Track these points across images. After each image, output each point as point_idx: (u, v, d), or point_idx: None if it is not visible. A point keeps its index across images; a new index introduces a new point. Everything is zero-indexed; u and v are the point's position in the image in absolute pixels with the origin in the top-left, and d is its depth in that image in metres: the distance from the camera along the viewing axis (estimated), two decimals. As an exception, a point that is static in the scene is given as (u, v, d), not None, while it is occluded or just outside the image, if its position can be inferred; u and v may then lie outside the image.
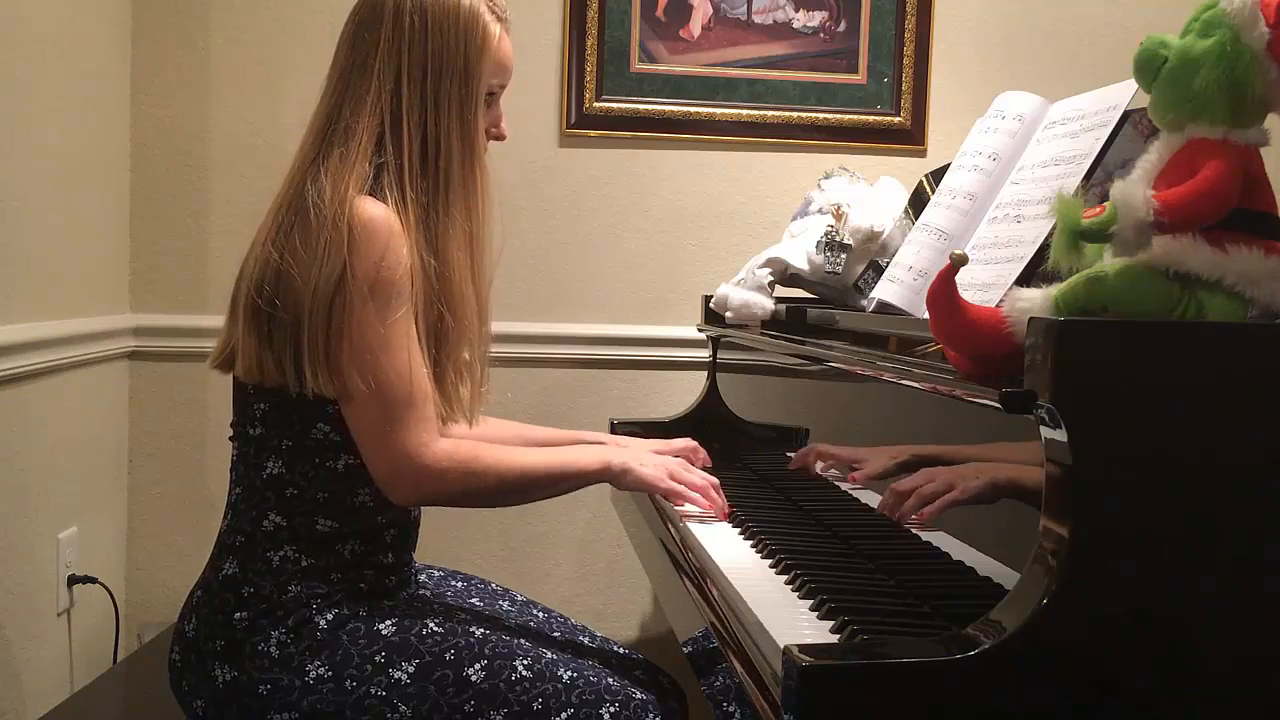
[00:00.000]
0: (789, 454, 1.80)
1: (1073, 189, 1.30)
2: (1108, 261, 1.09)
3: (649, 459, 1.58)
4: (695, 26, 2.55)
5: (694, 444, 1.86)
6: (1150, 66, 1.11)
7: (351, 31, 1.50)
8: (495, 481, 1.46)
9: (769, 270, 2.01)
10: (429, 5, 1.47)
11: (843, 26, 2.57)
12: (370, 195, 1.42)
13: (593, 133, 2.54)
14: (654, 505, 1.72)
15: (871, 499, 1.45)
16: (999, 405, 1.00)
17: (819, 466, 1.65)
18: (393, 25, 1.46)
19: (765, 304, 1.98)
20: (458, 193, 1.48)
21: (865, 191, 2.00)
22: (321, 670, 1.38)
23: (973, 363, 1.12)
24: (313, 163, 1.44)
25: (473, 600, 1.62)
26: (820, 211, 2.02)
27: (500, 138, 1.57)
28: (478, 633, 1.45)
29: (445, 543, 2.48)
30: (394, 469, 1.41)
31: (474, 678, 1.40)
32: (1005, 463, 1.10)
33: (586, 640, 1.60)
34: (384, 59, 1.46)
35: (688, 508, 1.61)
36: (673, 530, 1.60)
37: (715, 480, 1.63)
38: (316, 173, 1.42)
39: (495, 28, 1.50)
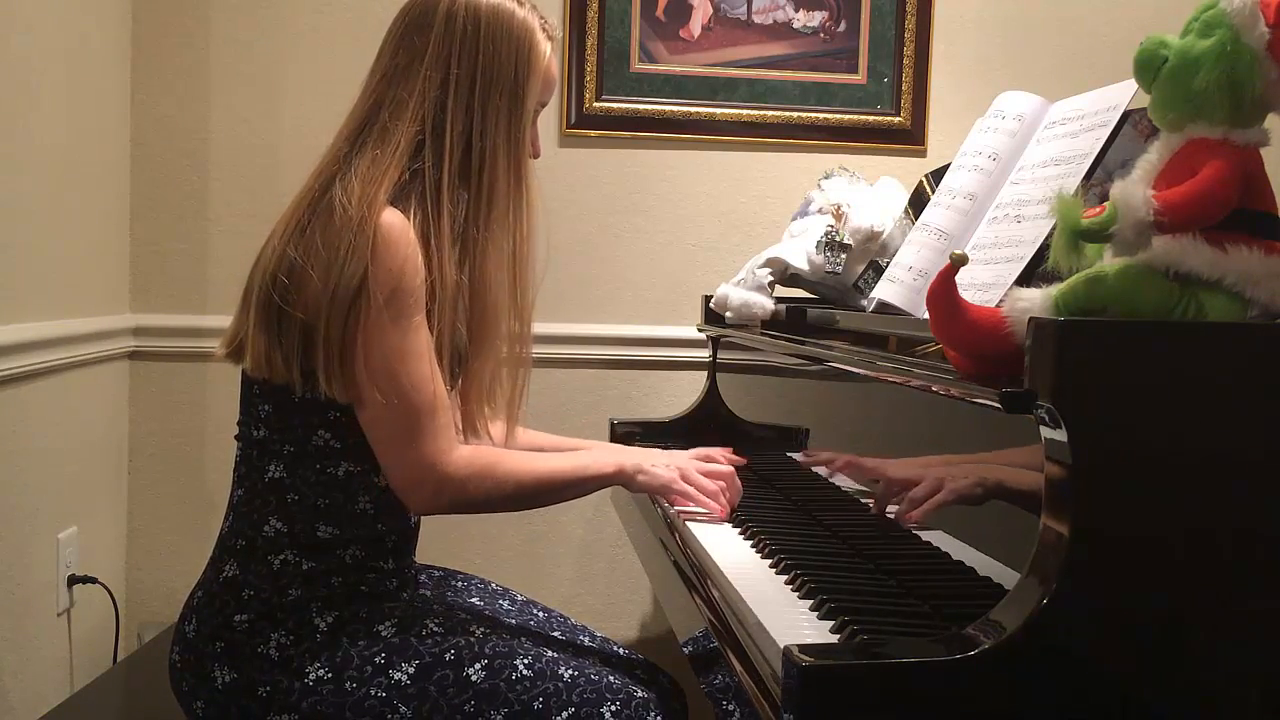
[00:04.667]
0: (789, 454, 1.80)
1: (1073, 189, 1.30)
2: (1108, 261, 1.09)
3: (659, 458, 1.58)
4: (695, 27, 2.55)
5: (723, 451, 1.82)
6: (1150, 66, 1.11)
7: (399, 33, 1.47)
8: (514, 488, 1.46)
9: (769, 270, 2.01)
10: (484, 15, 1.45)
11: (843, 26, 2.57)
12: (399, 202, 1.40)
13: (593, 133, 2.54)
14: (654, 505, 1.72)
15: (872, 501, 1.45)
16: (999, 405, 1.00)
17: (833, 469, 1.63)
18: (444, 31, 1.44)
19: (765, 304, 1.98)
20: (501, 209, 1.46)
21: (865, 191, 2.00)
22: (321, 672, 1.38)
23: (973, 363, 1.12)
24: (344, 161, 1.42)
25: (473, 600, 1.62)
26: (820, 211, 2.02)
27: (534, 155, 1.55)
28: (478, 633, 1.45)
29: (445, 543, 2.48)
30: (416, 478, 1.40)
31: (474, 678, 1.40)
32: (996, 465, 1.10)
33: (587, 640, 1.60)
34: (431, 64, 1.43)
35: (692, 507, 1.60)
36: (673, 530, 1.60)
37: (730, 471, 1.61)
38: (347, 172, 1.40)
39: (546, 45, 1.49)
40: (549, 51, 1.50)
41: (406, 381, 1.37)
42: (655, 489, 1.57)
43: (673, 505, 1.63)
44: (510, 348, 1.50)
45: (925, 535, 1.27)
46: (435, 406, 1.39)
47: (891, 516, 1.35)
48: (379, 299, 1.34)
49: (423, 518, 1.58)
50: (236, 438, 1.50)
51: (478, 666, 1.40)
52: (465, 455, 1.42)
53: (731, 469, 1.62)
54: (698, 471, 1.60)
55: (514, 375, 1.53)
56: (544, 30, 1.49)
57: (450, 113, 1.43)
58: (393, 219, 1.37)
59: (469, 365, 1.47)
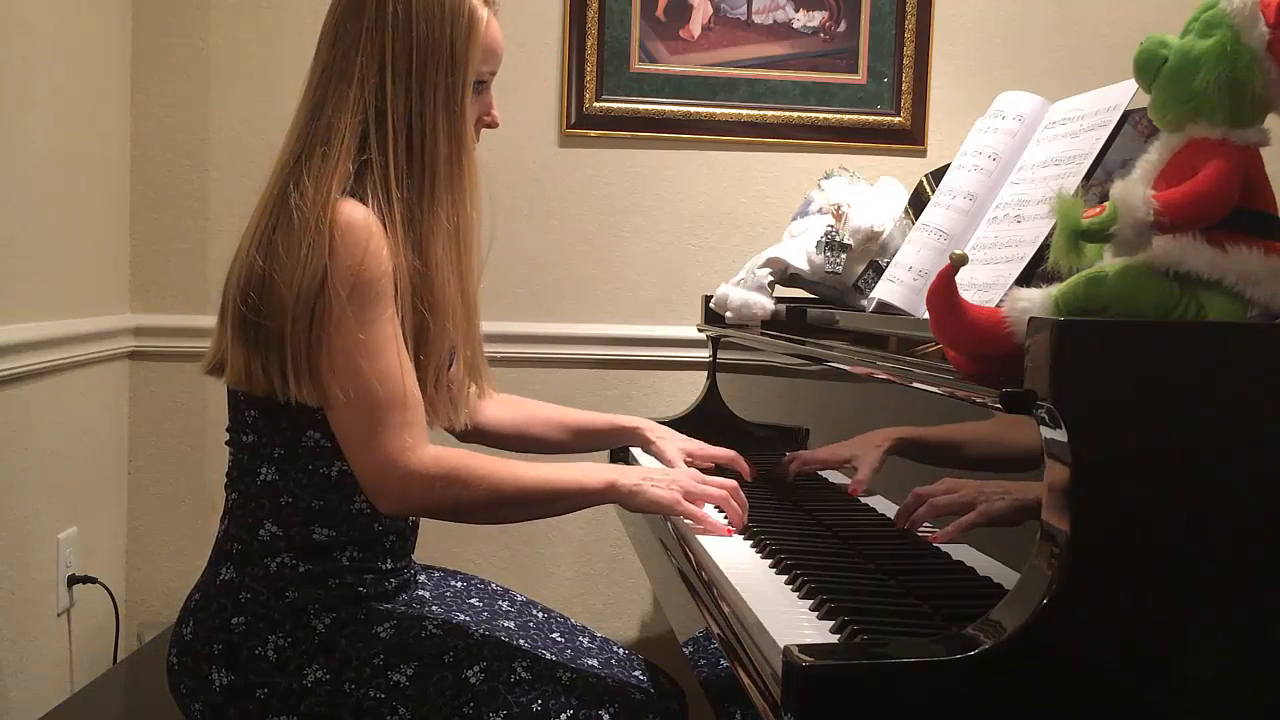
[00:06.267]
0: (790, 454, 1.79)
1: (1073, 189, 1.30)
2: (1108, 261, 1.09)
3: (659, 476, 1.50)
4: (695, 26, 2.55)
5: (733, 454, 1.77)
6: (1150, 66, 1.11)
7: (332, 24, 1.45)
8: (487, 493, 1.39)
9: (769, 270, 2.00)
10: None
11: (843, 26, 2.57)
12: (354, 196, 1.38)
13: (593, 133, 2.54)
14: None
15: (873, 500, 1.45)
16: (999, 405, 1.00)
17: (799, 468, 1.66)
18: (375, 15, 1.41)
19: (765, 304, 1.98)
20: (443, 188, 1.43)
21: (865, 191, 2.00)
22: (320, 673, 1.38)
23: (973, 363, 1.12)
24: (295, 163, 1.40)
25: (472, 600, 1.62)
26: (820, 211, 2.02)
27: (492, 125, 1.53)
28: (477, 634, 1.45)
29: (445, 542, 2.48)
30: (380, 476, 1.36)
31: (473, 679, 1.39)
32: (1031, 482, 1.07)
33: (586, 641, 1.59)
34: (366, 51, 1.41)
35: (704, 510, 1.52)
36: (673, 530, 1.59)
37: (733, 484, 1.52)
38: (299, 173, 1.39)
39: (483, 12, 1.45)
40: (486, 17, 1.45)
41: (370, 374, 1.34)
42: (655, 509, 1.48)
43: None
44: (455, 328, 1.45)
45: (925, 535, 1.27)
46: (403, 401, 1.36)
47: (911, 527, 1.33)
48: (341, 295, 1.32)
49: (421, 517, 1.57)
50: (227, 444, 1.49)
51: (476, 668, 1.40)
52: (433, 454, 1.38)
53: (734, 484, 1.53)
54: (699, 484, 1.51)
55: (461, 357, 1.49)
56: None
57: (390, 96, 1.41)
58: (353, 212, 1.35)
59: (427, 349, 1.43)
